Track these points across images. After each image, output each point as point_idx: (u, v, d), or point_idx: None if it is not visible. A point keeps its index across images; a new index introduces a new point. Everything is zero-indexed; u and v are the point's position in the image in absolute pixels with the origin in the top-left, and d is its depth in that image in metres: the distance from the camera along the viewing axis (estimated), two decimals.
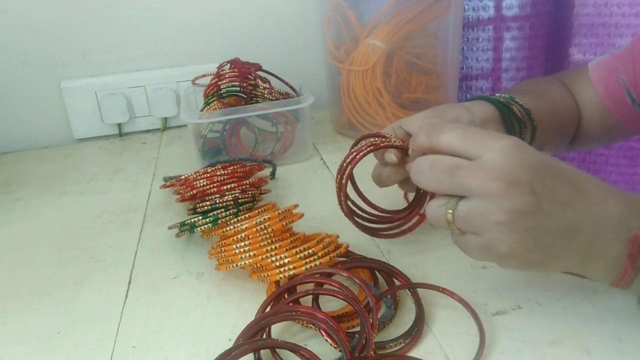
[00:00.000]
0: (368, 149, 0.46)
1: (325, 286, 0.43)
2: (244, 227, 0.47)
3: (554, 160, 0.37)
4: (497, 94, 0.59)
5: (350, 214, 0.50)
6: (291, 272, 0.44)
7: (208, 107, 0.75)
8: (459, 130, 0.37)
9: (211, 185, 0.56)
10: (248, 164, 0.63)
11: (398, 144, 0.47)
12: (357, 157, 0.46)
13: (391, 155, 0.47)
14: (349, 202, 0.50)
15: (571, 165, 0.38)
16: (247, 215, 0.50)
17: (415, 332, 0.40)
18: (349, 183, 0.49)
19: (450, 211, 0.36)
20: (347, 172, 0.47)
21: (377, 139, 0.48)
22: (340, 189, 0.48)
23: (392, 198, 0.56)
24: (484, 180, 0.35)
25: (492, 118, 0.55)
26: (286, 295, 0.43)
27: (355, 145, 0.50)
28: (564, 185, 0.36)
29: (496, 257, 0.36)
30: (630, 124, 0.63)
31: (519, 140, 0.36)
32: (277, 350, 0.39)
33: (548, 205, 0.35)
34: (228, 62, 0.82)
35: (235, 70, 0.76)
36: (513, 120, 0.56)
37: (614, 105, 0.63)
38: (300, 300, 0.43)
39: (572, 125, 0.66)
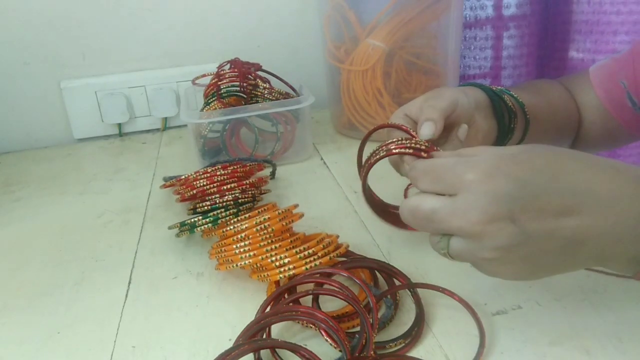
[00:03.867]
0: (398, 150, 0.45)
1: (325, 286, 0.43)
2: (244, 227, 0.47)
3: (540, 169, 0.34)
4: (492, 86, 0.59)
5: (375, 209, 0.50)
6: (291, 272, 0.44)
7: (208, 107, 0.75)
8: (431, 174, 0.37)
9: (211, 185, 0.56)
10: (248, 164, 0.63)
11: (424, 147, 0.46)
12: (372, 160, 0.46)
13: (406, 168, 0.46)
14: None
15: (575, 161, 0.35)
16: (247, 215, 0.50)
17: (415, 332, 0.40)
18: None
19: (444, 250, 0.36)
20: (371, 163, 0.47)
21: (404, 140, 0.46)
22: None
23: (392, 192, 0.56)
24: (460, 225, 0.34)
25: (484, 105, 0.55)
26: (286, 295, 0.43)
27: (374, 130, 0.51)
28: (556, 196, 0.33)
29: (503, 279, 0.36)
30: (631, 128, 0.63)
31: (491, 166, 0.34)
32: (277, 350, 0.39)
33: (537, 228, 0.32)
34: (228, 62, 0.82)
35: (235, 70, 0.76)
36: (503, 109, 0.56)
37: (614, 109, 0.63)
38: (300, 300, 0.43)
39: (572, 127, 0.66)
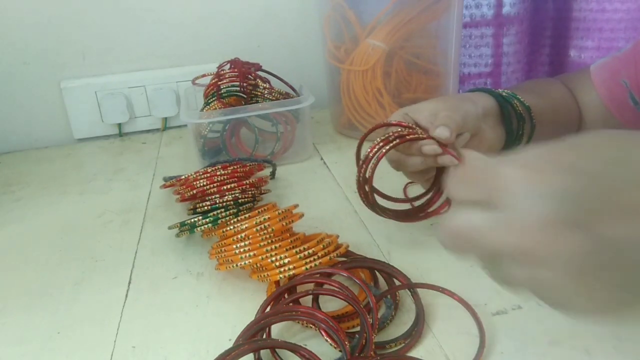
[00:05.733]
0: (395, 141, 0.46)
1: (325, 286, 0.43)
2: (244, 227, 0.47)
3: (607, 155, 0.26)
4: (500, 89, 0.59)
5: (375, 205, 0.50)
6: (291, 272, 0.44)
7: (208, 107, 0.75)
8: (469, 177, 0.29)
9: (211, 185, 0.56)
10: (248, 164, 0.63)
11: (424, 135, 0.47)
12: (385, 148, 0.46)
13: (434, 147, 0.46)
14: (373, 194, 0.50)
15: None
16: (247, 215, 0.50)
17: (415, 332, 0.40)
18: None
19: (500, 278, 0.29)
20: (371, 163, 0.47)
21: (402, 129, 0.48)
22: (366, 182, 0.48)
23: (391, 192, 0.56)
24: (509, 242, 0.26)
25: (492, 112, 0.55)
26: (286, 295, 0.43)
27: (371, 131, 0.51)
28: (632, 187, 0.25)
29: (583, 315, 0.28)
30: (633, 127, 0.63)
31: (541, 159, 0.27)
32: (277, 350, 0.39)
33: (617, 232, 0.24)
34: (228, 62, 0.82)
35: (235, 70, 0.76)
36: (512, 116, 0.56)
37: (616, 108, 0.63)
38: (300, 300, 0.43)
39: (573, 127, 0.66)
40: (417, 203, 0.53)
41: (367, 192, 0.49)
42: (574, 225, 0.25)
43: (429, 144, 0.47)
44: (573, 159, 0.26)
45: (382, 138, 0.47)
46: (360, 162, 0.48)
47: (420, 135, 0.47)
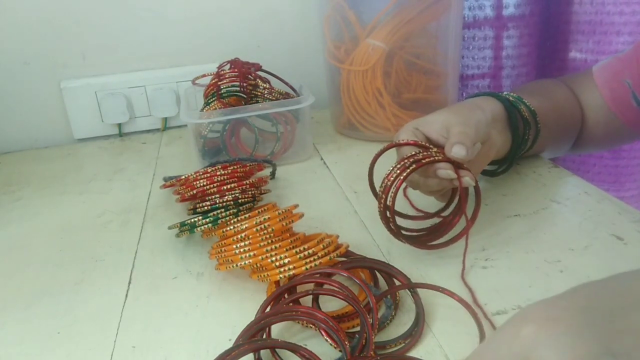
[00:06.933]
0: (412, 166, 0.45)
1: (325, 286, 0.43)
2: (244, 227, 0.47)
3: (590, 290, 0.28)
4: (506, 92, 0.59)
5: (399, 235, 0.49)
6: (291, 272, 0.44)
7: (208, 107, 0.75)
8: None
9: (211, 185, 0.56)
10: (248, 164, 0.63)
11: (440, 157, 0.46)
12: (402, 176, 0.46)
13: (449, 172, 0.46)
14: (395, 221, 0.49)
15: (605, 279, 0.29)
16: (247, 215, 0.50)
17: (415, 332, 0.40)
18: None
19: None
20: (391, 192, 0.46)
21: (419, 150, 0.47)
22: (388, 210, 0.47)
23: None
24: None
25: (500, 117, 0.55)
26: (286, 295, 0.43)
27: (383, 152, 0.51)
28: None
29: None
30: (635, 127, 0.63)
31: (545, 313, 0.26)
32: (277, 350, 0.39)
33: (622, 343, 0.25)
34: (228, 62, 0.82)
35: (235, 70, 0.76)
36: (518, 121, 0.56)
37: (618, 108, 0.63)
38: (300, 300, 0.43)
39: (575, 128, 0.66)
40: (439, 214, 0.53)
41: (390, 221, 0.48)
42: (608, 354, 0.24)
43: (444, 167, 0.46)
44: (566, 302, 0.27)
45: (399, 166, 0.46)
46: (380, 192, 0.47)
47: (436, 157, 0.46)
